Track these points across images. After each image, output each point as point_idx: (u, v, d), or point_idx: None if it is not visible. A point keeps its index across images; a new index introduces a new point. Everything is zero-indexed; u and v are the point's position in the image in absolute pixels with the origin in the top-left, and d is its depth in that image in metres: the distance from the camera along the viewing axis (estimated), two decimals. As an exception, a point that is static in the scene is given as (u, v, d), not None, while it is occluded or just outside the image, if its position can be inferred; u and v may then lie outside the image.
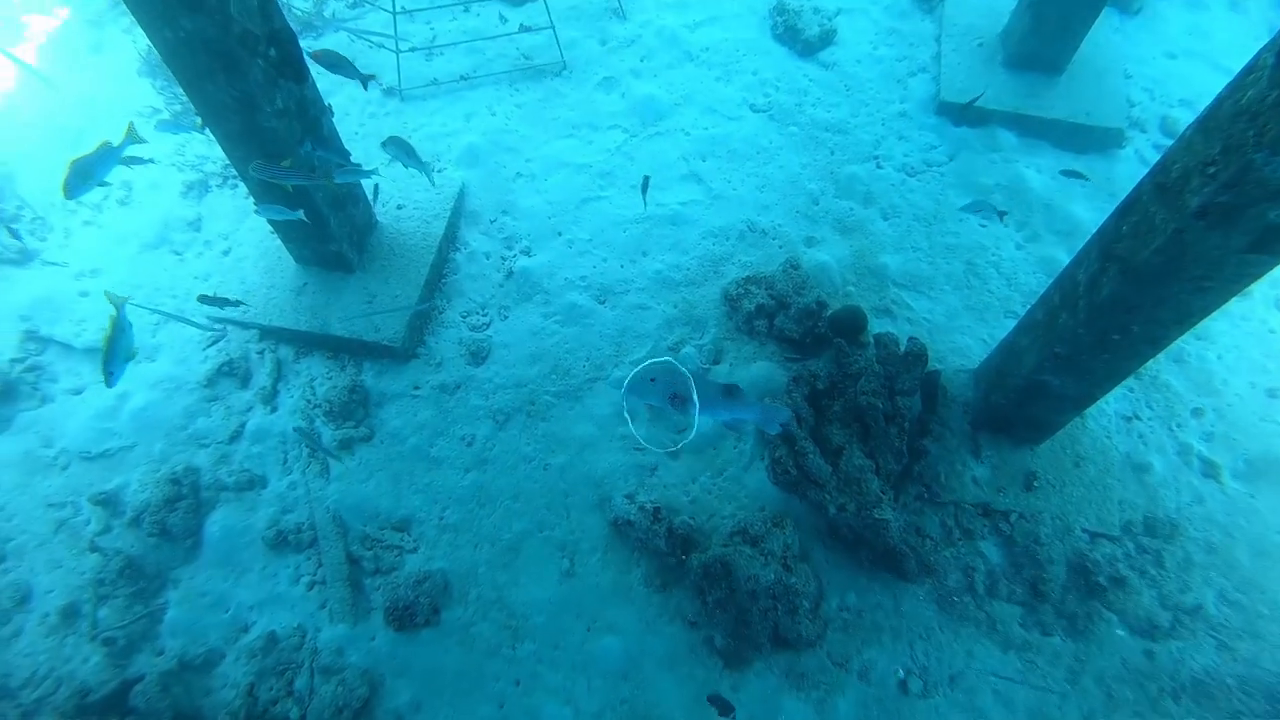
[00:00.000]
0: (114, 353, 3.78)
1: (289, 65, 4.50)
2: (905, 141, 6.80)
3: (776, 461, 4.90)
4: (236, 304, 5.44)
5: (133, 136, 4.29)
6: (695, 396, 3.80)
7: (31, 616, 5.00)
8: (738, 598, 4.61)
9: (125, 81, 7.25)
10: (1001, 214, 5.30)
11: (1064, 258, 6.00)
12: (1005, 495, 5.08)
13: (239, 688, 4.80)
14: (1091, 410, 4.97)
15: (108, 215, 6.59)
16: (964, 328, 5.89)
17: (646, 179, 5.48)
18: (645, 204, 6.18)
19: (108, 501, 5.30)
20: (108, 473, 5.42)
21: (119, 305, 3.86)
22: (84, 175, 3.93)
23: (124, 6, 7.65)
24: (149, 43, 7.05)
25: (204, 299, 5.20)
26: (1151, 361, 4.23)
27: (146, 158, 4.43)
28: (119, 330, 3.79)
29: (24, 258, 6.31)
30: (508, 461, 5.38)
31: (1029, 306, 4.75)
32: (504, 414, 5.55)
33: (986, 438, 5.23)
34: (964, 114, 6.62)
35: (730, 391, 3.74)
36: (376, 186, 5.69)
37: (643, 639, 4.83)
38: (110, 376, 3.78)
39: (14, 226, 5.24)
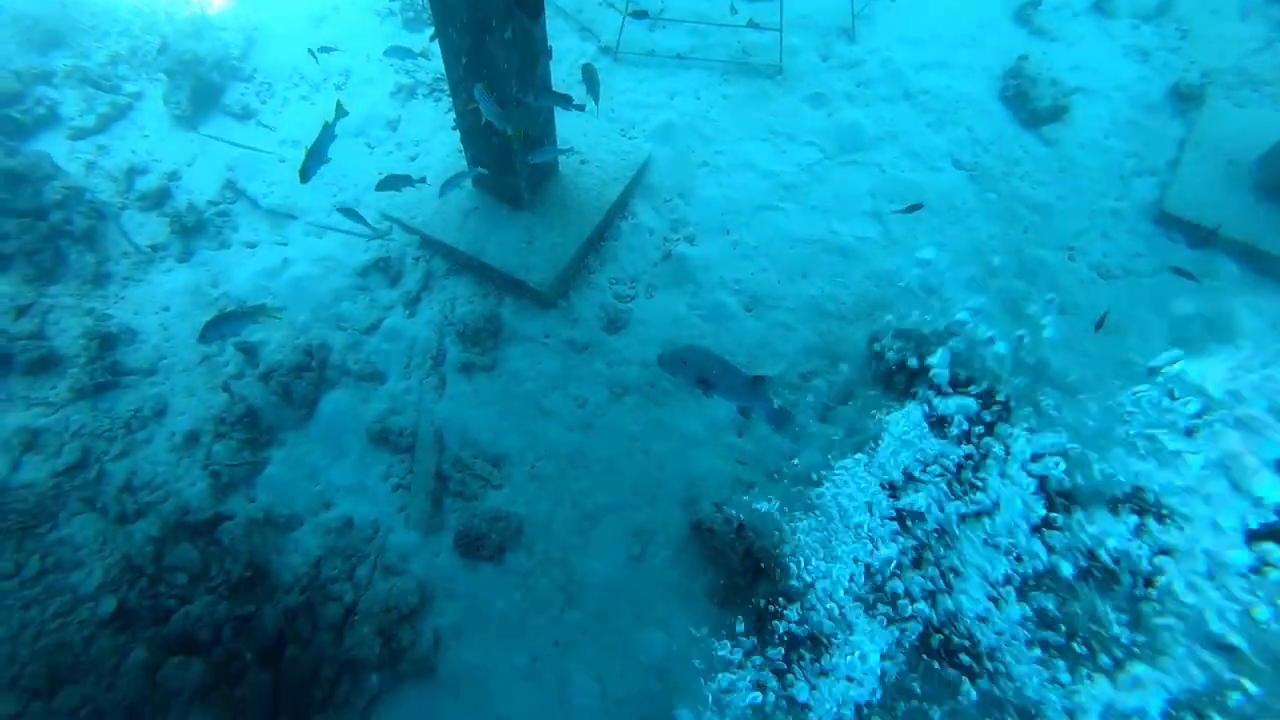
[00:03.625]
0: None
1: (528, 0, 4.64)
2: (1108, 241, 6.31)
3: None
4: (418, 181, 5.11)
5: (340, 113, 4.55)
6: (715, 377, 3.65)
7: (162, 430, 5.44)
8: (795, 642, 4.48)
9: (373, -20, 7.70)
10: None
11: (1253, 412, 5.46)
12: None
13: (308, 556, 5.07)
14: None
15: (322, 95, 7.04)
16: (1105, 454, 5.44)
17: (919, 205, 5.63)
18: (885, 221, 6.21)
19: (249, 351, 5.69)
20: (255, 325, 5.80)
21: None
22: (316, 158, 4.30)
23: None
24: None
25: (390, 180, 5.24)
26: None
27: (346, 112, 4.72)
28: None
29: (245, 114, 6.84)
30: (612, 434, 5.40)
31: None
32: (622, 387, 5.56)
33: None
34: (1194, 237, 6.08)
35: (757, 382, 3.63)
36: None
37: (687, 646, 4.76)
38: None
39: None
